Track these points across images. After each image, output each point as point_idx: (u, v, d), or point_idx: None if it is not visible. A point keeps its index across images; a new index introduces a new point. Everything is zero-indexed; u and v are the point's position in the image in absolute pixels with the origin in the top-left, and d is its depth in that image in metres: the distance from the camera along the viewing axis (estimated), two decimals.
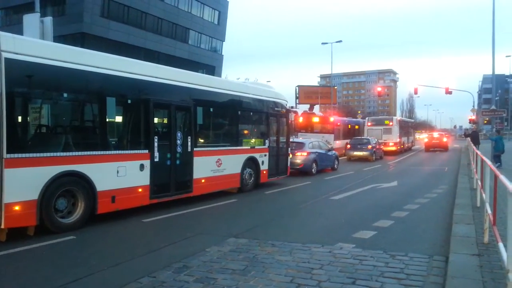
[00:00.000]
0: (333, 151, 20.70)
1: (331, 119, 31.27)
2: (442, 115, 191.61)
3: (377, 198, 11.32)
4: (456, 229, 6.61)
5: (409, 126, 42.60)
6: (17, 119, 6.78)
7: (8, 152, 6.30)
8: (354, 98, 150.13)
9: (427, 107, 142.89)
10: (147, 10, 40.28)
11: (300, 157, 17.28)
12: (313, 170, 17.73)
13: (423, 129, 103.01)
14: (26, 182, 6.57)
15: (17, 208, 6.43)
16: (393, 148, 31.96)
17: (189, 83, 10.19)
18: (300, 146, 17.95)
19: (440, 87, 39.21)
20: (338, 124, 32.08)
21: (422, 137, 60.50)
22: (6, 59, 6.34)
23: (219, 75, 47.22)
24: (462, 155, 28.88)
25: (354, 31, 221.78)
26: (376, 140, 28.45)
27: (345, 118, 39.41)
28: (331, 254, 5.78)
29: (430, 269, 5.18)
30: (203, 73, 30.34)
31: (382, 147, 29.44)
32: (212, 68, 48.27)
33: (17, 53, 6.56)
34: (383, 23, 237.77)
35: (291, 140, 18.51)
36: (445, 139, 39.29)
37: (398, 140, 32.79)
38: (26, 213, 6.56)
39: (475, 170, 11.52)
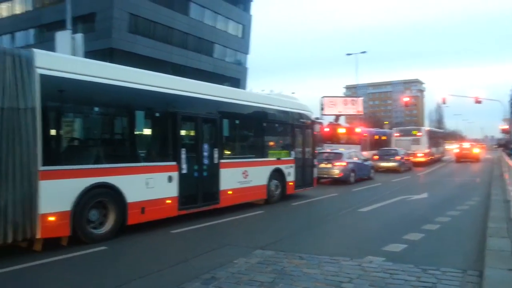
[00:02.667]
0: (369, 161, 21.57)
1: (358, 130, 30.95)
2: (472, 125, 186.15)
3: (406, 210, 11.09)
4: (491, 243, 6.38)
5: (439, 137, 41.64)
6: (51, 132, 7.00)
7: (43, 165, 6.51)
8: (381, 109, 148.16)
9: (456, 117, 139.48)
10: (173, 25, 41.14)
11: (339, 167, 18.28)
12: (351, 179, 18.64)
13: (453, 139, 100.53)
14: (60, 193, 6.76)
15: (51, 219, 6.62)
16: (422, 159, 31.26)
17: (214, 96, 10.33)
18: (339, 156, 18.91)
19: (469, 96, 38.23)
20: (365, 135, 31.70)
21: (452, 148, 58.98)
22: (41, 75, 6.58)
23: (244, 88, 47.56)
24: (494, 166, 27.99)
25: (379, 41, 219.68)
26: (405, 151, 27.93)
27: (372, 129, 38.90)
28: (361, 268, 5.68)
29: (464, 284, 5.02)
30: (228, 85, 30.64)
31: (410, 158, 28.86)
32: (237, 81, 48.69)
33: (51, 69, 6.80)
34: (408, 33, 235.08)
35: (324, 150, 19.11)
36: (476, 150, 38.20)
37: (427, 150, 32.09)
38: (60, 224, 6.74)
39: (509, 181, 11.14)
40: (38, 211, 6.43)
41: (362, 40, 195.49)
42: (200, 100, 9.86)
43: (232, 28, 49.29)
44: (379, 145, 32.31)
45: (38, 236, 6.49)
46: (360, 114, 41.58)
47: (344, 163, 18.51)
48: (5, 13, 43.11)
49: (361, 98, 42.77)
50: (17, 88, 6.23)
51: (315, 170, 14.69)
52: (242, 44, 50.98)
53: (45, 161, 6.55)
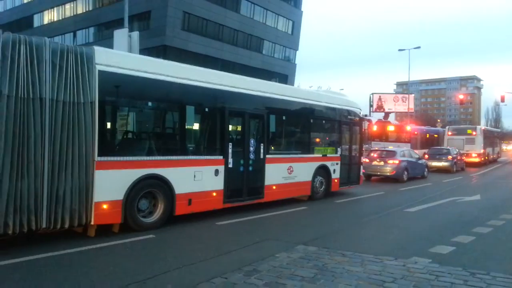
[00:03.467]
0: (423, 160, 21.43)
1: (408, 127, 30.02)
2: None
3: (457, 212, 10.68)
4: None
5: (495, 136, 39.50)
6: (107, 125, 7.42)
7: (99, 155, 6.91)
8: (434, 106, 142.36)
9: None
10: (224, 22, 41.77)
11: (391, 165, 18.45)
12: (404, 177, 18.64)
13: (511, 139, 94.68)
14: (113, 183, 7.16)
15: (105, 206, 7.03)
16: (476, 160, 29.82)
17: (262, 92, 10.44)
18: (392, 154, 19.06)
19: None
20: (416, 133, 30.69)
21: (510, 148, 55.64)
22: (99, 71, 6.97)
23: (292, 84, 47.46)
24: None
25: (434, 36, 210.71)
26: (457, 150, 26.79)
27: (423, 127, 37.58)
28: (405, 268, 5.58)
29: None
30: (276, 81, 30.73)
31: (464, 158, 27.63)
32: (285, 77, 48.67)
33: (108, 65, 7.18)
34: (464, 28, 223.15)
35: (374, 148, 19.22)
36: None
37: (482, 151, 30.56)
38: (112, 212, 7.14)
39: None
40: (93, 199, 6.84)
41: (416, 35, 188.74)
42: (248, 96, 10.00)
43: (282, 25, 49.26)
44: (431, 144, 31.18)
45: (92, 222, 6.91)
46: (411, 112, 40.27)
47: (397, 161, 18.56)
48: (68, 13, 45.66)
49: (412, 95, 41.44)
50: (78, 83, 6.64)
51: (361, 168, 14.47)
52: (291, 40, 50.83)
53: (101, 152, 6.95)
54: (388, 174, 18.51)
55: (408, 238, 7.66)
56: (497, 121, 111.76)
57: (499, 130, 58.68)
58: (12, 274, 5.29)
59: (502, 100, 36.32)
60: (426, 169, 21.39)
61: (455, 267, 5.63)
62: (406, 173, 18.90)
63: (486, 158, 32.25)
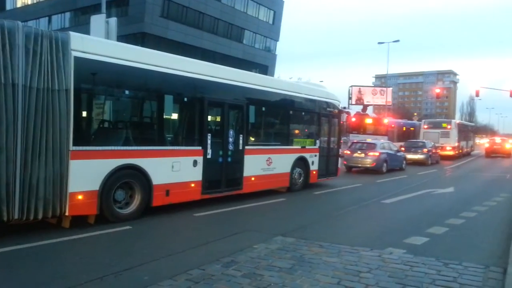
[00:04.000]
0: (401, 152, 22.10)
1: (385, 120, 30.47)
2: (505, 119, 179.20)
3: (431, 204, 10.93)
4: None
5: (469, 130, 40.52)
6: (83, 114, 7.23)
7: (73, 145, 6.75)
8: (411, 100, 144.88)
9: (489, 111, 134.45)
10: (205, 10, 41.28)
11: (372, 157, 18.95)
12: (383, 169, 19.23)
13: (484, 133, 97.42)
14: (88, 173, 7.01)
15: (80, 197, 6.88)
16: (451, 153, 30.56)
17: (242, 82, 10.38)
18: (372, 146, 19.61)
19: (504, 89, 36.86)
20: (392, 126, 31.20)
21: (483, 142, 57.25)
22: (75, 57, 6.77)
23: (272, 75, 47.41)
24: None
25: (413, 30, 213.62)
26: (433, 143, 27.36)
27: (400, 120, 38.22)
28: (380, 259, 5.68)
29: (486, 280, 4.96)
30: (256, 72, 30.58)
31: (438, 151, 28.26)
32: (265, 68, 48.60)
33: (84, 52, 6.99)
34: (443, 22, 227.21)
35: (355, 141, 19.74)
36: (508, 145, 37.00)
37: (456, 144, 31.32)
38: (88, 203, 7.00)
39: None
40: (68, 190, 6.69)
41: (395, 28, 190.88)
42: (228, 86, 9.93)
43: (263, 14, 49.07)
44: (407, 137, 31.78)
45: (67, 213, 6.76)
46: (389, 105, 40.85)
47: (377, 153, 19.05)
48: None
49: (390, 88, 41.97)
50: (53, 70, 6.44)
51: (340, 160, 14.61)
52: (272, 30, 50.71)
53: (76, 142, 6.78)
54: (368, 166, 18.96)
55: (384, 229, 7.80)
56: (471, 115, 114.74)
57: (473, 124, 60.22)
58: None
59: (477, 94, 37.15)
60: (404, 161, 21.97)
61: (428, 257, 5.77)
62: (385, 165, 19.40)
63: (460, 151, 33.05)
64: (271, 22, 50.38)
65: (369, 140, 21.37)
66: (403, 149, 25.68)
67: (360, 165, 19.39)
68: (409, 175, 18.68)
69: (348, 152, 19.78)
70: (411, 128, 35.31)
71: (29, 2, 45.63)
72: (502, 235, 7.36)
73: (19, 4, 46.64)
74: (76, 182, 6.80)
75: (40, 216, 6.39)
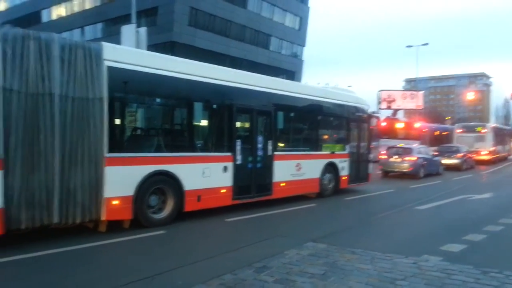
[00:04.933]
0: (438, 157, 21.92)
1: (417, 125, 29.82)
2: None
3: (467, 210, 10.59)
4: None
5: (505, 134, 39.04)
6: (116, 121, 7.42)
7: (108, 152, 6.93)
8: (442, 103, 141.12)
9: None
10: (231, 18, 41.70)
11: (408, 162, 18.88)
12: (421, 174, 19.10)
13: None
14: (123, 179, 7.18)
15: (115, 202, 7.05)
16: (486, 157, 29.55)
17: (269, 88, 10.41)
18: (408, 151, 19.53)
19: None
20: (425, 130, 30.47)
21: None
22: (108, 67, 6.98)
23: (299, 80, 47.29)
24: None
25: (442, 33, 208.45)
26: (467, 148, 26.57)
27: (432, 124, 37.28)
28: (416, 266, 5.53)
29: None
30: (283, 78, 30.51)
31: (473, 155, 27.40)
32: (292, 74, 48.53)
33: (117, 61, 7.18)
34: (473, 24, 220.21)
35: (391, 145, 19.59)
36: None
37: (492, 148, 30.27)
38: (123, 208, 7.16)
39: None
40: (104, 195, 6.87)
41: (424, 31, 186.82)
42: (256, 93, 9.98)
43: (289, 20, 49.10)
44: (440, 141, 30.91)
45: (103, 218, 6.94)
46: (420, 109, 39.94)
47: (414, 158, 19.00)
48: (76, 9, 45.84)
49: (421, 92, 41.12)
50: (87, 79, 6.65)
51: (371, 165, 14.39)
52: (298, 36, 50.64)
53: (111, 149, 6.97)
54: (405, 170, 18.88)
55: (419, 236, 7.61)
56: (507, 118, 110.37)
57: (509, 127, 58.03)
58: (23, 268, 5.33)
59: None
60: (441, 166, 21.73)
61: (466, 265, 5.56)
62: (422, 169, 19.30)
63: (496, 156, 31.93)
64: (297, 28, 50.35)
65: (400, 145, 21.00)
66: (436, 153, 25.07)
67: (396, 169, 19.28)
68: (443, 181, 18.18)
69: (384, 156, 19.80)
70: (444, 133, 34.37)
71: (64, 14, 47.35)
72: None
73: (54, 17, 48.45)
74: (112, 188, 6.97)
75: (78, 220, 6.59)
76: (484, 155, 29.49)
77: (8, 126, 5.82)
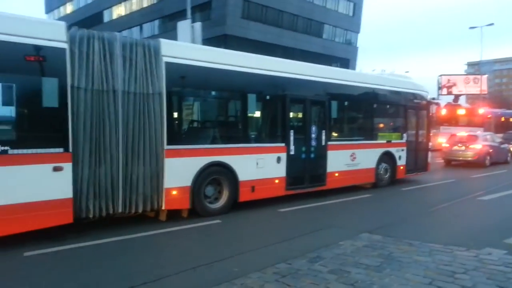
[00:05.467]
0: (506, 144, 20.73)
1: (481, 111, 28.17)
2: None
3: None
4: None
5: None
6: (174, 115, 7.74)
7: (168, 144, 7.25)
8: (509, 87, 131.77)
9: None
10: (284, 8, 41.42)
11: (473, 150, 18.25)
12: (487, 162, 18.32)
13: None
14: (182, 170, 7.48)
15: (174, 192, 7.38)
16: None
17: (323, 78, 10.29)
18: (474, 139, 18.74)
19: None
20: (489, 116, 28.70)
21: None
22: (166, 62, 7.27)
23: (354, 68, 46.20)
24: None
25: (508, 12, 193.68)
26: None
27: (497, 110, 35.01)
28: (477, 259, 5.33)
29: None
30: (337, 66, 29.92)
31: None
32: (346, 61, 47.46)
33: (174, 57, 7.45)
34: None
35: (454, 133, 18.68)
36: None
37: None
38: (181, 197, 7.49)
39: None
40: (164, 185, 7.21)
41: (489, 11, 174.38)
42: (308, 82, 9.92)
43: (343, 7, 47.92)
44: (506, 127, 28.97)
45: (163, 207, 7.30)
46: (484, 94, 37.70)
47: (479, 146, 18.34)
48: (134, 7, 47.72)
49: (485, 76, 38.72)
50: (147, 75, 6.99)
51: (430, 154, 13.85)
52: (352, 22, 49.32)
53: (170, 141, 7.28)
54: (470, 159, 18.24)
55: (481, 228, 7.28)
56: None
57: None
58: (94, 254, 5.77)
59: None
60: (510, 154, 20.71)
61: None
62: (488, 158, 18.58)
63: None
64: (351, 14, 49.02)
65: (462, 133, 20.00)
66: (502, 141, 23.59)
67: (461, 158, 18.56)
68: (509, 170, 17.12)
69: (447, 145, 19.11)
70: (511, 119, 32.15)
71: (123, 14, 49.44)
72: None
73: (114, 16, 50.77)
74: (171, 179, 7.29)
75: (140, 209, 6.98)
76: None
77: (76, 122, 6.27)
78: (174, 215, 7.64)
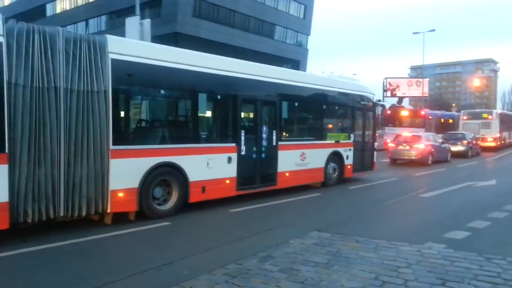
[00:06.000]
0: (446, 144, 22.06)
1: (422, 112, 29.70)
2: None
3: (472, 197, 10.59)
4: None
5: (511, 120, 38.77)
6: (121, 114, 7.46)
7: (113, 144, 6.98)
8: (448, 90, 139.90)
9: None
10: (235, 8, 41.41)
11: (417, 149, 19.24)
12: (429, 161, 19.35)
13: None
14: (128, 171, 7.23)
15: (120, 194, 7.12)
16: (492, 144, 29.47)
17: (274, 78, 10.38)
18: (417, 139, 19.84)
19: None
20: (430, 117, 30.32)
21: None
22: (112, 59, 6.99)
23: (304, 69, 47.08)
24: None
25: (449, 19, 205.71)
26: (473, 135, 26.44)
27: (437, 112, 37.07)
28: (420, 254, 5.57)
29: None
30: (287, 67, 30.28)
31: (479, 142, 27.28)
32: (297, 63, 48.25)
33: (121, 54, 7.19)
34: (480, 9, 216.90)
35: (397, 133, 19.67)
36: None
37: (498, 135, 30.13)
38: (128, 200, 7.24)
39: None
40: (109, 187, 6.94)
41: (431, 17, 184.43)
42: (260, 83, 9.96)
43: (294, 9, 48.67)
44: (445, 128, 30.76)
45: (109, 210, 7.02)
46: (425, 96, 39.71)
47: (422, 145, 19.32)
48: (80, 2, 45.77)
49: (426, 79, 40.84)
50: (91, 72, 6.68)
51: (375, 154, 14.38)
52: (303, 25, 50.24)
53: (115, 141, 7.02)
54: (414, 157, 19.19)
55: (422, 224, 7.63)
56: None
57: None
58: (30, 261, 5.43)
59: None
60: (449, 153, 21.92)
61: (470, 252, 5.61)
62: (431, 156, 19.55)
63: (502, 142, 31.75)
64: (302, 16, 49.93)
65: (405, 134, 21.00)
66: (441, 141, 24.99)
67: (405, 157, 19.54)
68: (448, 168, 18.14)
69: (392, 144, 20.16)
70: (450, 120, 34.16)
71: (67, 8, 47.31)
72: None
73: (58, 10, 48.45)
74: (117, 180, 7.03)
75: (83, 213, 6.67)
76: (490, 142, 29.42)
77: (13, 120, 5.88)
78: (120, 218, 7.37)
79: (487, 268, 5.01)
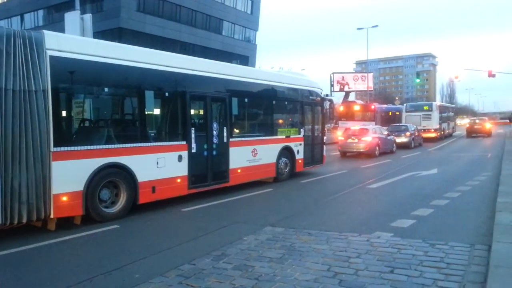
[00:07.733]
0: (391, 136, 23.08)
1: (372, 106, 30.91)
2: (485, 99, 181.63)
3: (416, 186, 11.09)
4: (500, 217, 6.39)
5: (450, 112, 41.17)
6: (62, 114, 7.09)
7: (55, 146, 6.62)
8: (392, 84, 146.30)
9: (468, 91, 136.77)
10: (181, 2, 40.73)
11: (365, 142, 19.90)
12: (376, 153, 20.19)
13: (465, 114, 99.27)
14: (72, 174, 6.89)
15: (64, 198, 6.77)
16: (433, 135, 31.15)
17: (223, 74, 10.31)
18: (365, 132, 20.54)
19: (482, 70, 37.58)
20: (378, 111, 31.62)
21: (464, 123, 58.42)
22: (50, 56, 6.62)
23: (253, 65, 47.27)
24: (506, 140, 27.69)
25: (391, 14, 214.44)
26: (415, 126, 27.77)
27: (383, 105, 38.65)
28: (369, 243, 5.76)
29: (472, 258, 5.07)
30: (236, 63, 30.35)
31: (421, 133, 28.72)
32: (245, 58, 48.37)
33: (60, 50, 6.84)
34: (421, 5, 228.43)
35: (346, 127, 20.19)
36: (488, 125, 37.83)
37: (438, 126, 31.87)
38: (73, 204, 6.90)
39: None
40: (51, 191, 6.57)
41: (374, 13, 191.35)
42: (209, 79, 9.85)
43: (241, 4, 48.70)
44: (392, 121, 32.13)
45: (52, 215, 6.65)
46: (370, 90, 41.15)
47: (369, 138, 20.01)
48: None
49: (371, 74, 42.34)
50: (28, 70, 6.29)
51: (324, 148, 14.70)
52: (251, 20, 50.39)
53: (57, 142, 6.66)
54: (362, 150, 19.90)
55: (371, 214, 7.89)
56: (451, 96, 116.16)
57: (453, 105, 61.14)
58: None
59: (456, 78, 37.79)
60: (394, 145, 22.94)
61: (415, 239, 5.87)
62: (377, 148, 20.39)
63: (442, 133, 33.62)
64: (249, 12, 50.06)
65: (356, 127, 21.69)
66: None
67: (354, 150, 20.27)
68: (393, 159, 18.91)
69: (342, 138, 20.80)
70: (397, 113, 35.71)
71: (0, 1, 44.36)
72: (486, 213, 7.52)
73: None
74: (60, 184, 6.68)
75: (24, 220, 6.27)
76: (431, 133, 31.03)
77: None
78: (65, 223, 7.02)
79: (431, 253, 5.25)
